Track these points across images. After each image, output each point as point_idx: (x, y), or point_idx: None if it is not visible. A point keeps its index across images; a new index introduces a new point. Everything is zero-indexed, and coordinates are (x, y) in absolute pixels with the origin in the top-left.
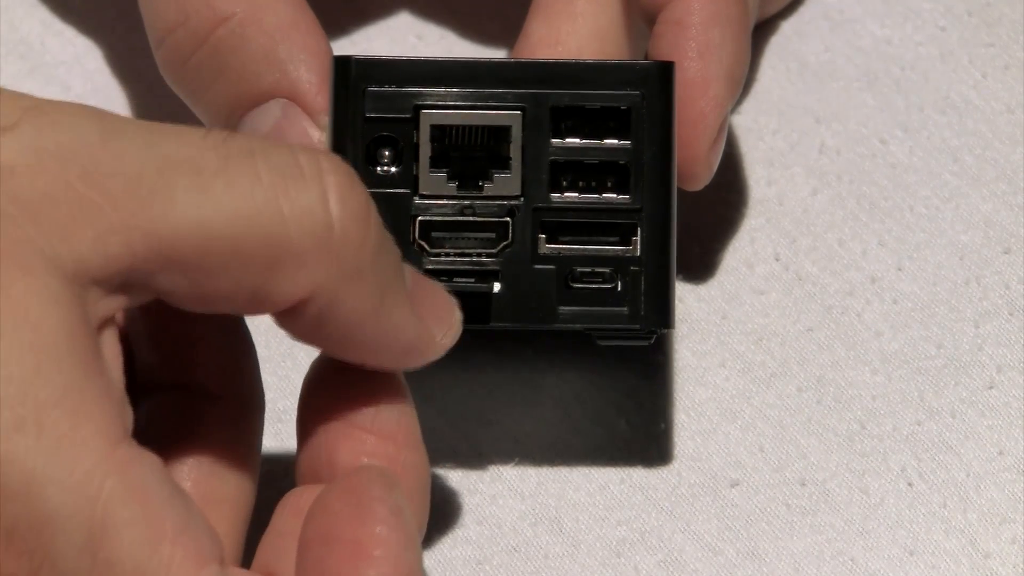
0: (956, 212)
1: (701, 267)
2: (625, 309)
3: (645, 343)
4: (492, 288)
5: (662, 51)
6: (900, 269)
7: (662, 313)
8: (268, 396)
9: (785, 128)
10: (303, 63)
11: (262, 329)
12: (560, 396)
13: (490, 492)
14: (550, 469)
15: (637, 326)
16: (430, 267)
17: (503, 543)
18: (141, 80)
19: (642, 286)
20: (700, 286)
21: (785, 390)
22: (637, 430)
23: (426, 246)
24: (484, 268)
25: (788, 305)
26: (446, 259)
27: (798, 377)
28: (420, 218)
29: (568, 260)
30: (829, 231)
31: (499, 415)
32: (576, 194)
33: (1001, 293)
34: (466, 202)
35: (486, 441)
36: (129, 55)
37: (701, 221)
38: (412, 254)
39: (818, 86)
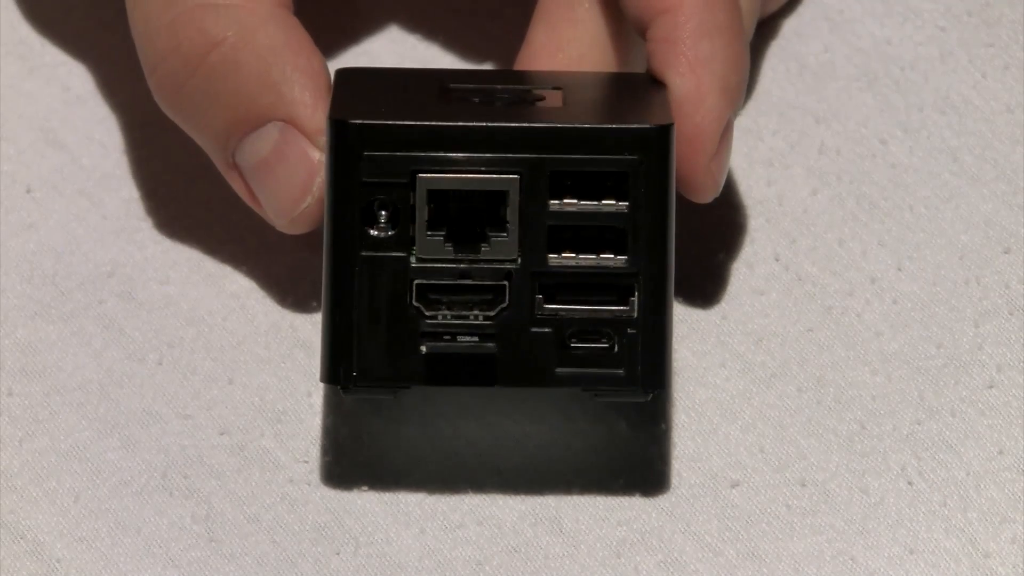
0: (956, 212)
1: (701, 267)
2: (622, 371)
3: (642, 399)
4: (491, 350)
5: (655, 68)
6: (900, 269)
7: (658, 374)
8: (268, 397)
9: (785, 128)
10: (298, 84)
11: (262, 330)
12: (560, 396)
13: (490, 492)
14: (550, 469)
15: (633, 387)
16: (427, 329)
17: (503, 543)
18: (141, 80)
19: (639, 348)
20: (700, 286)
21: (785, 390)
22: (637, 430)
23: (423, 308)
24: (481, 331)
25: (788, 305)
26: (443, 321)
27: (798, 377)
28: (417, 281)
29: (565, 322)
30: (829, 231)
31: (499, 415)
32: (574, 255)
33: (1001, 293)
34: (463, 265)
35: (486, 441)
36: (129, 55)
37: (701, 221)
38: (409, 316)
39: (818, 86)
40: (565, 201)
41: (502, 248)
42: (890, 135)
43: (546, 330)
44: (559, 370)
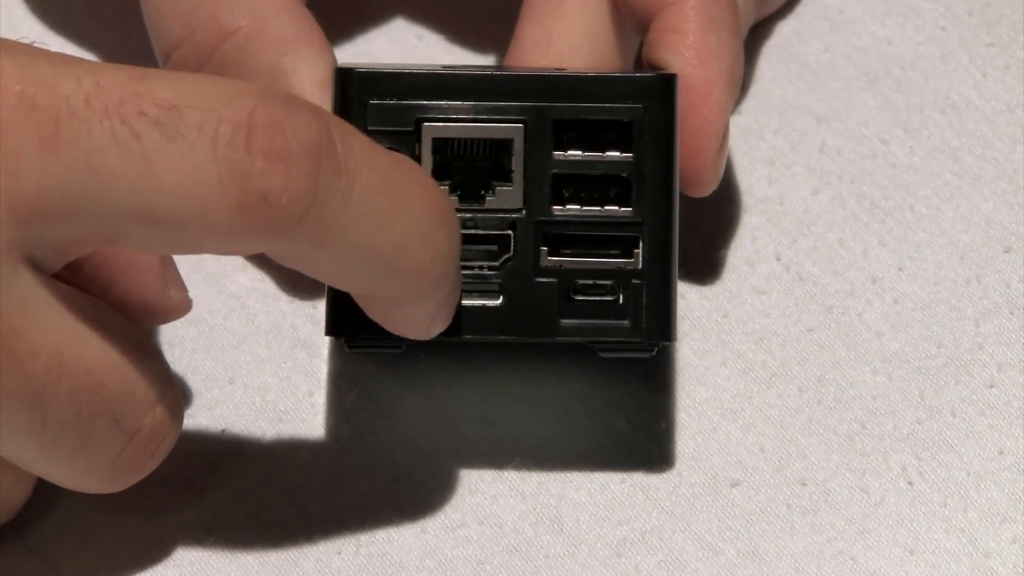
0: (956, 212)
1: (702, 266)
2: (627, 322)
3: (647, 355)
4: (496, 301)
5: (658, 58)
6: (901, 269)
7: (663, 326)
8: (268, 397)
9: (786, 128)
10: (307, 76)
11: (263, 330)
12: (561, 395)
13: (491, 492)
14: (551, 469)
15: (638, 339)
16: None
17: (504, 543)
18: None
19: (644, 299)
20: (701, 285)
21: (786, 390)
22: (638, 430)
23: None
24: (486, 281)
25: (789, 305)
26: None
27: (799, 377)
28: None
29: (570, 273)
30: (830, 231)
31: (499, 415)
32: (578, 206)
33: (1002, 292)
34: (468, 215)
35: (486, 441)
36: (129, 55)
37: (702, 220)
38: None
39: (818, 86)
40: (570, 152)
41: (507, 198)
42: (891, 135)
43: (551, 280)
44: (564, 322)
